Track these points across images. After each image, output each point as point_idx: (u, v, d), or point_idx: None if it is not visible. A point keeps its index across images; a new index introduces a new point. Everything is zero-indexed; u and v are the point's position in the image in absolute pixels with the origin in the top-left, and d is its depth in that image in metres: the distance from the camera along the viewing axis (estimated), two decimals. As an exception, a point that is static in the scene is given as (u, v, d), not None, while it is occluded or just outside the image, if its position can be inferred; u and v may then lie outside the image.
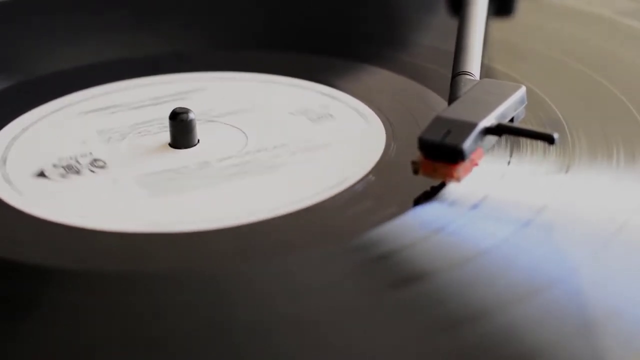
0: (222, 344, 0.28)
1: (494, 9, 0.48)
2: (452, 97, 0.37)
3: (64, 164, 0.37)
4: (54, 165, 0.37)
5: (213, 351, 0.28)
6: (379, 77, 0.43)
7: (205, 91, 0.42)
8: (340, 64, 0.44)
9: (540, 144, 0.36)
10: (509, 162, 0.36)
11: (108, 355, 0.28)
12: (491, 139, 0.35)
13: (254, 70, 0.43)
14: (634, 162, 0.35)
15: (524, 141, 0.36)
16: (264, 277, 0.31)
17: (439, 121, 0.34)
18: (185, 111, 0.38)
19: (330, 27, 0.48)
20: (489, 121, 0.34)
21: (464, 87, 0.37)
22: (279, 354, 0.28)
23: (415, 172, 0.34)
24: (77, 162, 0.37)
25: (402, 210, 0.33)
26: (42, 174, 0.37)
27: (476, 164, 0.34)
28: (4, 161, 0.38)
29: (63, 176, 0.37)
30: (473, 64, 0.39)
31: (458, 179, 0.33)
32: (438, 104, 0.39)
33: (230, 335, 0.29)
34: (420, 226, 0.32)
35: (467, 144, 0.33)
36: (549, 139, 0.33)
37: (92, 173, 0.37)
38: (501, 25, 0.48)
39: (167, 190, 0.35)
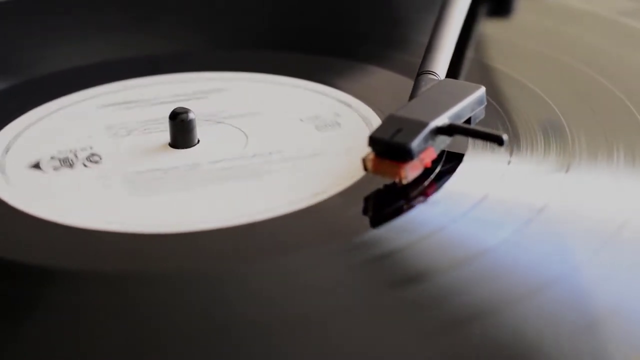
0: (222, 344, 0.28)
1: (493, 9, 0.48)
2: (412, 96, 0.37)
3: (62, 156, 0.37)
4: (52, 158, 0.37)
5: (213, 351, 0.28)
6: (378, 76, 0.43)
7: (225, 92, 0.42)
8: (341, 64, 0.44)
9: (542, 143, 0.36)
10: (509, 162, 0.36)
11: (108, 355, 0.28)
12: (443, 138, 0.34)
13: (278, 72, 0.43)
14: (634, 162, 0.35)
15: (524, 141, 0.37)
16: (263, 277, 0.31)
17: (391, 120, 0.34)
18: (185, 111, 0.38)
19: (335, 26, 0.48)
20: (441, 121, 0.34)
21: (424, 87, 0.37)
22: (279, 353, 0.28)
23: (365, 169, 0.34)
24: (75, 155, 0.37)
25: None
26: (37, 166, 0.37)
27: (427, 164, 0.34)
28: (6, 152, 0.38)
29: (56, 169, 0.37)
30: (439, 64, 0.39)
31: (405, 178, 0.33)
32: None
33: (230, 335, 0.28)
34: (420, 226, 0.32)
35: (415, 143, 0.33)
36: (498, 140, 0.33)
37: (84, 167, 0.37)
38: (501, 25, 0.48)
39: (149, 190, 0.35)
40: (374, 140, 0.33)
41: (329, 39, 0.47)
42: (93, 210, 0.34)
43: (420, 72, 0.38)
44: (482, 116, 0.36)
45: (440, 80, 0.37)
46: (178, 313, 0.29)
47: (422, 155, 0.33)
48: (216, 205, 0.34)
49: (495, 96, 0.40)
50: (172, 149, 0.38)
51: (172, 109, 0.38)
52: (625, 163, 0.35)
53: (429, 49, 0.40)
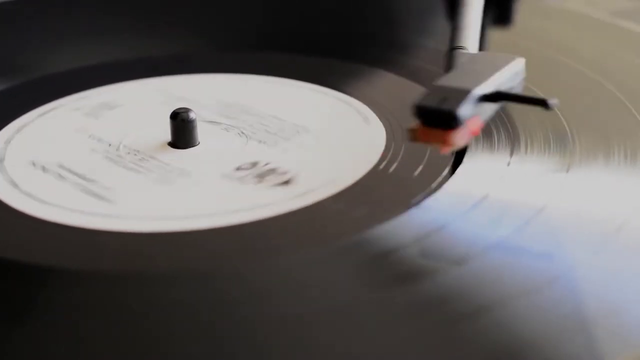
0: (223, 344, 0.28)
1: (493, 19, 0.48)
2: (446, 69, 0.37)
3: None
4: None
5: (213, 351, 0.28)
6: (379, 78, 0.43)
7: (225, 91, 0.42)
8: (341, 65, 0.44)
9: (540, 144, 0.36)
10: (508, 163, 0.36)
11: (108, 356, 0.28)
12: (489, 107, 0.34)
13: (278, 74, 0.43)
14: (633, 162, 0.35)
15: (524, 141, 0.37)
16: (263, 277, 0.31)
17: (434, 89, 0.34)
18: (186, 111, 0.38)
19: (335, 28, 0.48)
20: (485, 88, 0.34)
21: (460, 59, 0.37)
22: (279, 353, 0.28)
23: (413, 139, 0.34)
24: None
25: (402, 210, 0.33)
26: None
27: (475, 132, 0.34)
28: (7, 151, 0.38)
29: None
30: (469, 39, 0.39)
31: (454, 145, 0.33)
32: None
33: (230, 335, 0.29)
34: (419, 226, 0.32)
35: (462, 109, 0.33)
36: (544, 105, 0.33)
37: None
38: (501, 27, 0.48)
39: (149, 190, 0.35)
40: (420, 109, 0.33)
41: (329, 41, 0.47)
42: (93, 210, 0.34)
43: (452, 47, 0.38)
44: (521, 89, 0.36)
45: (478, 53, 0.37)
46: (178, 313, 0.29)
47: (468, 123, 0.33)
48: (216, 205, 0.34)
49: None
50: (172, 148, 0.38)
51: (172, 110, 0.38)
52: (625, 163, 0.35)
53: (456, 26, 0.40)
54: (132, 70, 0.44)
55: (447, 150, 0.34)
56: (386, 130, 0.38)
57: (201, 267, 0.31)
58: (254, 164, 0.37)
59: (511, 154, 0.36)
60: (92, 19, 0.50)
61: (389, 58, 0.45)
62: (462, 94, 0.33)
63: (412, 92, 0.41)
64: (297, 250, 0.32)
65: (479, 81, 0.34)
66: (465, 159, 0.36)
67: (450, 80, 0.34)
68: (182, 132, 0.38)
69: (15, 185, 0.36)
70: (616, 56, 0.44)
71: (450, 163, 0.36)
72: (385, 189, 0.35)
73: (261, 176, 0.36)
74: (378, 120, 0.39)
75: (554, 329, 0.28)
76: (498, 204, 0.33)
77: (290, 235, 0.33)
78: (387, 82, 0.43)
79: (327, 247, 0.32)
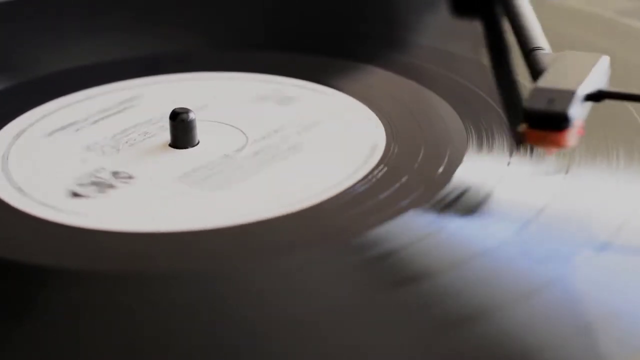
0: (223, 344, 0.28)
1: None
2: (535, 71, 0.37)
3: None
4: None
5: (213, 351, 0.28)
6: (378, 77, 0.43)
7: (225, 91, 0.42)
8: (341, 65, 0.44)
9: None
10: (508, 163, 0.36)
11: (107, 356, 0.28)
12: (586, 107, 0.35)
13: (277, 73, 0.43)
14: (633, 162, 0.35)
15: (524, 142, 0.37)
16: (263, 277, 0.31)
17: (539, 91, 0.34)
18: (185, 111, 0.38)
19: (335, 27, 0.48)
20: (587, 87, 0.34)
21: (546, 60, 0.37)
22: (279, 354, 0.28)
23: (522, 142, 0.34)
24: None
25: (401, 210, 0.33)
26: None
27: (581, 132, 0.34)
28: (7, 151, 0.38)
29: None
30: (540, 39, 0.39)
31: (565, 146, 0.33)
32: (438, 104, 0.39)
33: (230, 335, 0.29)
34: (419, 226, 0.32)
35: (572, 110, 0.33)
36: None
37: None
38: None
39: (148, 190, 0.35)
40: (529, 112, 0.33)
41: (329, 40, 0.47)
42: (93, 210, 0.34)
43: (530, 49, 0.39)
44: (606, 85, 0.36)
45: (561, 53, 0.37)
46: (178, 313, 0.29)
47: (575, 123, 0.33)
48: (216, 205, 0.34)
49: (495, 96, 0.40)
50: (172, 149, 0.38)
51: (171, 110, 0.38)
52: (625, 164, 0.35)
53: (521, 28, 0.40)
54: (132, 70, 0.44)
55: (557, 152, 0.34)
56: (385, 130, 0.38)
57: (201, 267, 0.31)
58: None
59: (511, 154, 0.36)
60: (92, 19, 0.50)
61: (389, 56, 0.45)
62: (567, 95, 0.33)
63: (412, 90, 0.41)
64: (297, 251, 0.32)
65: (579, 81, 0.34)
66: (465, 159, 0.36)
67: (549, 81, 0.35)
68: (181, 132, 0.38)
69: (15, 185, 0.36)
70: (617, 55, 0.44)
71: (444, 163, 0.36)
72: (385, 189, 0.35)
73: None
74: (377, 119, 0.39)
75: (555, 332, 0.28)
76: (498, 204, 0.33)
77: (290, 236, 0.33)
78: (386, 81, 0.43)
79: (327, 248, 0.32)
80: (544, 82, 0.35)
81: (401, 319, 0.29)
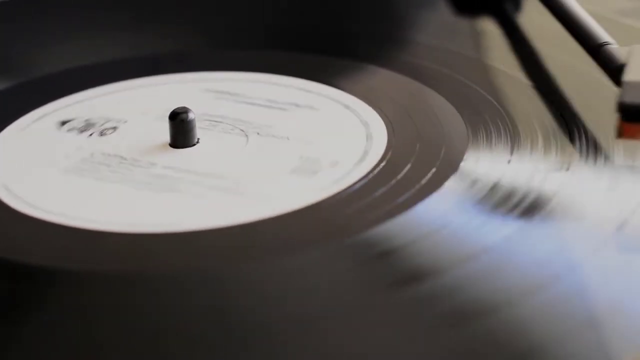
0: (223, 344, 0.28)
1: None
2: (610, 67, 0.37)
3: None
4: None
5: (214, 351, 0.28)
6: (378, 76, 0.43)
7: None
8: (341, 64, 0.44)
9: (543, 142, 0.36)
10: (509, 161, 0.36)
11: (108, 356, 0.28)
12: None
13: (277, 72, 0.43)
14: (633, 162, 0.35)
15: (524, 140, 0.37)
16: (263, 277, 0.31)
17: (630, 85, 0.34)
18: (185, 111, 0.38)
19: (335, 27, 0.48)
20: None
21: (620, 55, 0.37)
22: (279, 353, 0.28)
23: (619, 136, 0.34)
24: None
25: (403, 208, 0.33)
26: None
27: None
28: (7, 151, 0.38)
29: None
30: (604, 33, 0.39)
31: None
32: (438, 103, 0.39)
33: (230, 335, 0.29)
34: (420, 225, 0.32)
35: None
36: None
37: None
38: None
39: (149, 190, 0.35)
40: (624, 106, 0.33)
41: (329, 39, 0.47)
42: (94, 210, 0.34)
43: (599, 45, 0.38)
44: None
45: (631, 46, 0.37)
46: (178, 313, 0.29)
47: None
48: (216, 205, 0.34)
49: (495, 95, 0.40)
50: (172, 148, 0.38)
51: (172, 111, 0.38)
52: (626, 162, 0.35)
53: (579, 26, 0.40)
54: (132, 70, 0.44)
55: None
56: (386, 128, 0.38)
57: (201, 267, 0.31)
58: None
59: (511, 152, 0.36)
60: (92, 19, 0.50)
61: (389, 55, 0.45)
62: None
63: (413, 88, 0.41)
64: (298, 250, 0.32)
65: None
66: (466, 157, 0.36)
67: (636, 75, 0.35)
68: (181, 132, 0.38)
69: (16, 185, 0.36)
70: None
71: (445, 161, 0.36)
72: (385, 189, 0.35)
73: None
74: (378, 118, 0.39)
75: (559, 329, 0.28)
76: (499, 201, 0.33)
77: (290, 235, 0.33)
78: (386, 81, 0.43)
79: (328, 247, 0.32)
80: (632, 75, 0.35)
81: (403, 317, 0.29)
